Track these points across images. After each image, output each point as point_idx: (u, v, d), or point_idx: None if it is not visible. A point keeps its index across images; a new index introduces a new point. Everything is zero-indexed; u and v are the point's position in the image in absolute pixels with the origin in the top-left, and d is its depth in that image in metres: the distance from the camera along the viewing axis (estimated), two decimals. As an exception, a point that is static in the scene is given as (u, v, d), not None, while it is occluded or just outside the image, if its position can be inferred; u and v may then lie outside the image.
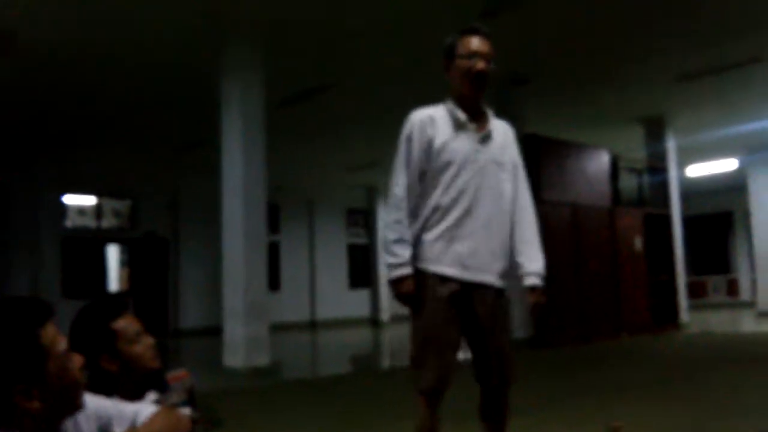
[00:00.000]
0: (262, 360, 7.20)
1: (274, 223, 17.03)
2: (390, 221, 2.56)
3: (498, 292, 2.58)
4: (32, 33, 7.49)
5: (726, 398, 5.11)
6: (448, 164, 2.51)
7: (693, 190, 17.88)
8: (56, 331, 1.38)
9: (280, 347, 11.01)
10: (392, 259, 2.52)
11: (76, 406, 1.46)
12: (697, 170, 16.48)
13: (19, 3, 6.75)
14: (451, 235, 2.49)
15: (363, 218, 19.81)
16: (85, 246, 15.09)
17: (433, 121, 2.57)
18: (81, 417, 1.53)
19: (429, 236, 2.52)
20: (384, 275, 18.09)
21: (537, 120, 10.32)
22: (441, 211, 2.50)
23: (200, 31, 7.57)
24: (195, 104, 10.01)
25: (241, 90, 7.59)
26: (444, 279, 2.49)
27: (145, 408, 1.81)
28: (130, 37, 7.70)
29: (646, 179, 12.88)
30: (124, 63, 8.49)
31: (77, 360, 1.59)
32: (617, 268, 11.21)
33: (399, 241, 2.52)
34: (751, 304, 16.56)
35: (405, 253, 2.50)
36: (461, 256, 2.49)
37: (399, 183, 2.55)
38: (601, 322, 10.62)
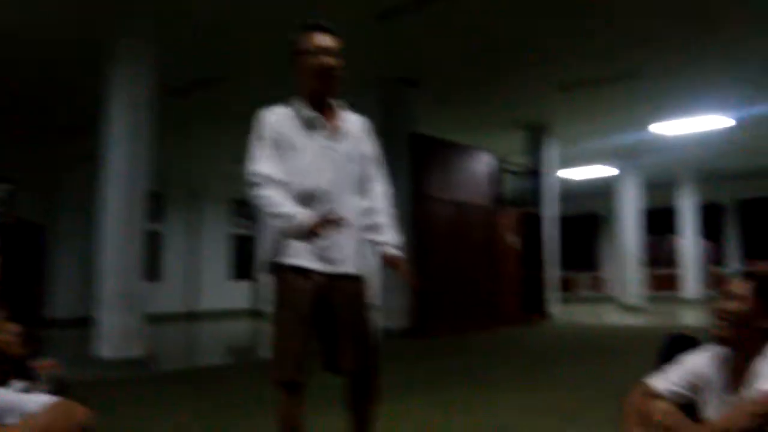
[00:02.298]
0: (136, 351, 7.04)
1: (156, 213, 16.53)
2: (264, 201, 2.50)
3: (356, 282, 2.64)
4: None
5: (572, 388, 5.56)
6: (300, 162, 2.53)
7: (569, 193, 18.96)
8: None
9: (158, 338, 10.77)
10: (285, 219, 2.45)
11: None
12: (573, 174, 17.52)
13: None
14: None
15: (248, 209, 19.59)
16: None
17: (283, 119, 2.59)
18: None
19: None
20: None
21: (426, 121, 10.62)
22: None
23: (90, 12, 7.23)
24: (80, 89, 9.49)
25: (130, 77, 7.34)
26: (306, 272, 2.53)
27: (36, 399, 1.79)
28: (11, 13, 7.24)
29: (526, 181, 13.57)
30: (3, 40, 7.98)
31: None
32: (494, 263, 11.78)
33: (282, 205, 2.47)
34: (613, 299, 17.83)
35: (294, 208, 2.45)
36: (321, 250, 2.52)
37: (257, 169, 2.53)
38: (478, 313, 11.13)
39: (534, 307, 12.66)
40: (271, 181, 2.51)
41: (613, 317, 14.45)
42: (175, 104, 9.98)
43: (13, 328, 2.44)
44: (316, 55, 2.57)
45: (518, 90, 10.90)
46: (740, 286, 2.28)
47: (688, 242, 19.55)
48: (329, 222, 2.45)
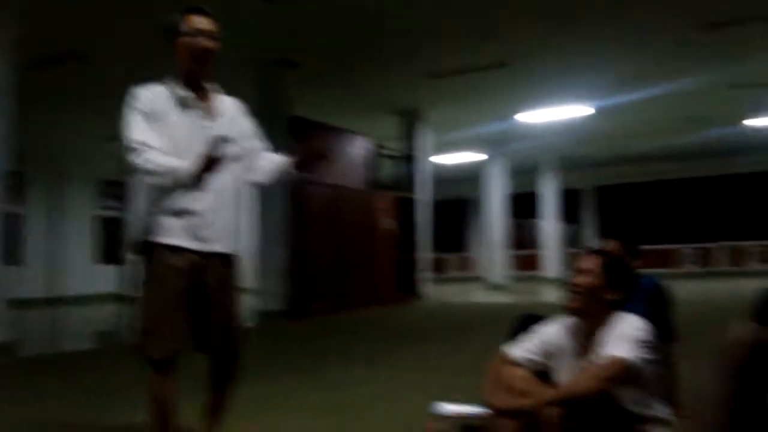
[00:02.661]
0: (-1, 337, 6.68)
1: (17, 193, 15.46)
2: (144, 163, 2.51)
3: (228, 261, 2.70)
4: None
5: (443, 361, 5.86)
6: (174, 140, 2.56)
7: (442, 178, 19.58)
8: None
9: (21, 324, 10.20)
10: (169, 172, 2.48)
11: None
12: (446, 159, 18.16)
13: None
14: (183, 208, 2.56)
15: (116, 190, 18.73)
16: None
17: (158, 96, 2.61)
18: None
19: (161, 210, 2.56)
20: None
21: (305, 104, 10.59)
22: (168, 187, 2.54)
23: None
24: None
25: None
26: (178, 250, 2.56)
27: None
28: None
29: (401, 166, 13.92)
30: None
31: None
32: (371, 245, 12.05)
33: (163, 161, 2.50)
34: (481, 279, 18.69)
35: (176, 161, 2.49)
36: (194, 228, 2.57)
37: (134, 136, 2.55)
38: (354, 294, 11.37)
39: (408, 287, 13.09)
40: (148, 146, 2.52)
41: (480, 296, 15.17)
42: (37, 79, 9.38)
43: None
44: (194, 37, 2.61)
45: (390, 76, 11.11)
46: (590, 262, 2.56)
47: (549, 225, 20.81)
48: (214, 161, 2.47)
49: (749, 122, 14.87)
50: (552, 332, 2.66)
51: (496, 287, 16.99)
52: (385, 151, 13.54)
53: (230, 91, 2.82)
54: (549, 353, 2.62)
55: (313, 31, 8.90)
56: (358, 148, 12.21)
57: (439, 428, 2.79)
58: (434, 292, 14.52)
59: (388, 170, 13.79)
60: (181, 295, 2.56)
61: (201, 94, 2.68)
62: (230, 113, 2.75)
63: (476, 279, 20.37)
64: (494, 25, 8.91)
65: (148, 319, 2.56)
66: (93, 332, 10.64)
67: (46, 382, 5.32)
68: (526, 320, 3.20)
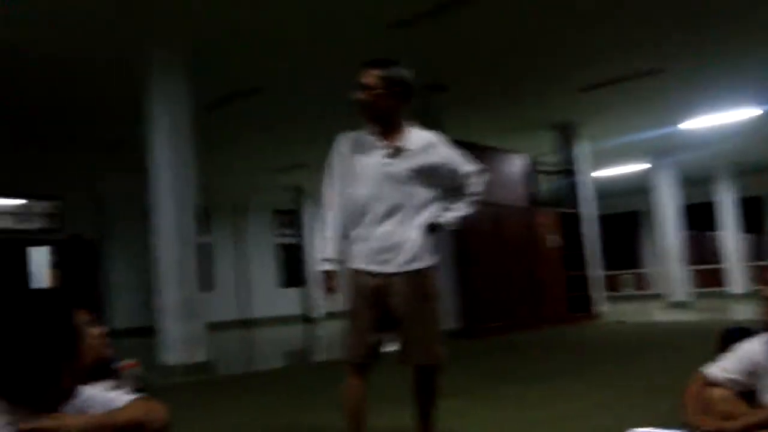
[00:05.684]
0: (199, 356, 7.35)
1: (204, 225, 16.95)
2: (323, 220, 2.99)
3: (418, 277, 2.90)
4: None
5: (630, 380, 5.63)
6: (357, 179, 2.91)
7: (607, 191, 18.86)
8: (81, 314, 1.57)
9: (216, 345, 11.10)
10: (319, 254, 3.00)
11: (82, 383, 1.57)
12: (608, 172, 17.51)
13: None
14: (363, 236, 2.91)
15: (291, 219, 20.00)
16: (5, 248, 14.62)
17: (350, 141, 2.99)
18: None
19: (351, 238, 2.95)
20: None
21: (456, 126, 10.50)
22: (355, 218, 2.92)
23: (122, 28, 7.38)
24: (121, 101, 9.52)
25: (168, 90, 7.64)
26: (366, 273, 2.89)
27: (121, 396, 1.94)
28: (48, 32, 7.47)
29: (560, 181, 13.60)
30: (44, 59, 8.18)
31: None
32: (536, 263, 11.85)
33: (325, 238, 2.96)
34: (658, 296, 17.63)
35: (327, 249, 2.94)
36: (371, 253, 2.89)
37: (326, 188, 3.02)
38: (523, 313, 11.21)
39: (580, 306, 12.63)
40: (329, 209, 2.98)
41: (661, 314, 14.30)
42: (216, 117, 10.18)
43: (97, 330, 2.51)
44: (356, 92, 2.92)
45: (543, 91, 10.99)
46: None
47: (730, 236, 19.29)
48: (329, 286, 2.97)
49: None
50: (753, 350, 2.52)
51: (678, 305, 15.98)
52: (543, 167, 13.29)
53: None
54: (751, 373, 2.49)
55: (459, 53, 9.00)
56: (515, 166, 12.12)
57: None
58: (610, 311, 13.93)
59: (546, 186, 13.50)
60: (367, 311, 2.88)
61: (389, 134, 2.93)
62: (419, 147, 2.94)
63: (654, 297, 19.30)
64: (647, 31, 8.63)
65: (346, 330, 2.95)
66: (283, 351, 11.41)
67: (245, 395, 5.81)
68: (732, 333, 3.00)
